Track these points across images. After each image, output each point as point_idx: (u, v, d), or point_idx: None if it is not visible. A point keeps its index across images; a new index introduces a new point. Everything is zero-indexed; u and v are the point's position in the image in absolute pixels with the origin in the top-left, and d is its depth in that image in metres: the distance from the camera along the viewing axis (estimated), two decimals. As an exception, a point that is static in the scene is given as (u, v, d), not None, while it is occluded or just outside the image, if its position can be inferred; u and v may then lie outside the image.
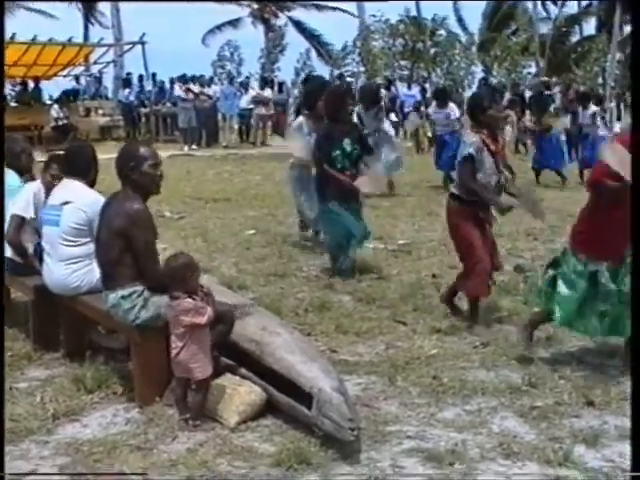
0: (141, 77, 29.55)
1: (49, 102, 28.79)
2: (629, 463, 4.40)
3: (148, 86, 29.18)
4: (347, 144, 8.64)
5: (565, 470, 4.36)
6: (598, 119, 17.83)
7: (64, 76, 31.30)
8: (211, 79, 29.36)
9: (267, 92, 28.12)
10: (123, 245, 5.23)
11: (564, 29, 51.97)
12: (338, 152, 8.58)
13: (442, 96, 17.28)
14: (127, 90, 29.09)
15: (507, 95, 26.59)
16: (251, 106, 27.20)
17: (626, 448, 4.58)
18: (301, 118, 10.11)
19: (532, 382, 5.53)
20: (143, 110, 28.56)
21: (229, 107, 27.32)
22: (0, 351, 5.23)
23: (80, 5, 46.85)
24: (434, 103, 17.81)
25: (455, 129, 16.13)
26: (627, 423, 4.88)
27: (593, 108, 18.01)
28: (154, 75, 29.60)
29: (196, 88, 26.13)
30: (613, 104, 23.50)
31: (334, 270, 8.70)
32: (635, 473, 3.95)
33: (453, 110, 16.47)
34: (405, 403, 5.27)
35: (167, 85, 29.43)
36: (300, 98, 10.39)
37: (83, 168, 6.29)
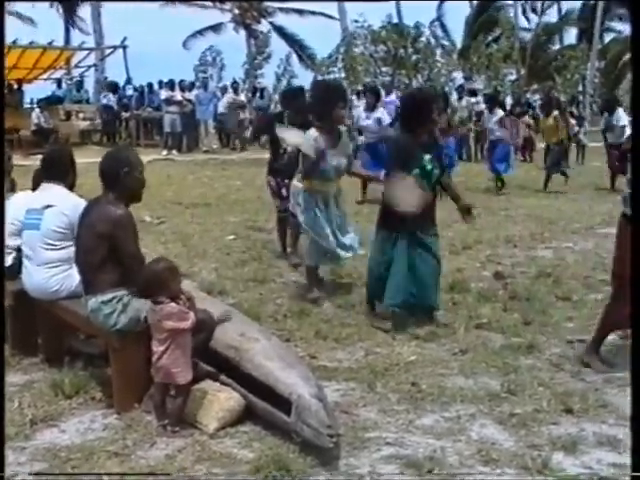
0: (128, 80, 29.62)
1: (29, 106, 28.70)
2: (607, 470, 4.45)
3: (129, 90, 29.21)
4: (427, 162, 7.09)
5: (543, 477, 4.37)
6: (506, 124, 17.64)
7: (45, 79, 31.23)
8: (192, 84, 29.36)
9: (242, 97, 28.23)
10: (106, 250, 5.21)
11: (544, 37, 52.28)
12: (417, 171, 7.02)
13: (373, 98, 15.53)
14: (111, 95, 29.06)
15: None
16: (225, 111, 27.39)
17: (604, 455, 4.63)
18: (314, 132, 7.84)
19: (511, 389, 5.55)
20: (124, 114, 28.57)
21: (203, 112, 27.37)
22: (0, 351, 5.19)
23: (61, 9, 46.64)
24: (362, 107, 15.95)
25: (385, 136, 15.28)
26: (605, 430, 4.93)
27: (500, 113, 17.76)
28: (129, 79, 29.61)
29: (179, 95, 26.15)
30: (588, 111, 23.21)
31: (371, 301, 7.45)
32: (635, 473, 3.97)
33: (384, 115, 15.54)
34: (384, 409, 5.27)
35: (146, 89, 29.39)
36: (311, 107, 8.37)
37: (61, 172, 6.27)
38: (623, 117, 18.30)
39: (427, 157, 7.07)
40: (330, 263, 8.44)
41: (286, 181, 9.20)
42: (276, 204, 9.89)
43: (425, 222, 7.17)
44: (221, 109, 27.64)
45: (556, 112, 18.75)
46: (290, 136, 8.47)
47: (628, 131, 18.33)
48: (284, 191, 9.45)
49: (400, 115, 7.83)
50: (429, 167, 7.08)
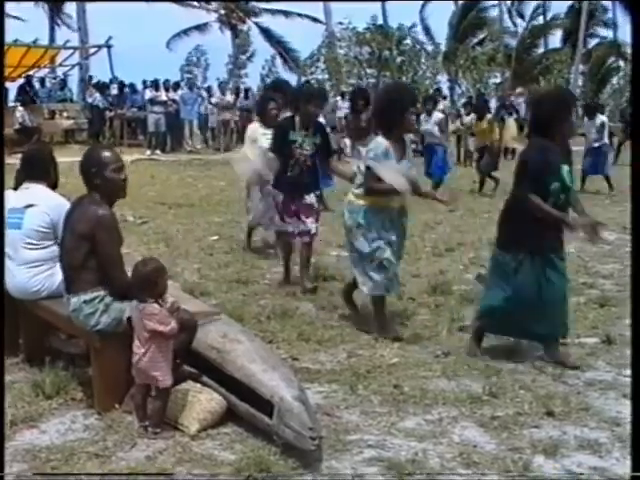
0: (116, 79, 29.61)
1: (12, 104, 28.58)
2: (587, 473, 4.46)
3: (114, 90, 29.21)
4: (567, 173, 6.14)
5: (524, 480, 4.38)
6: (439, 127, 17.07)
7: (24, 78, 31.08)
8: (177, 84, 29.35)
9: (229, 97, 28.26)
10: (88, 250, 5.18)
11: (529, 40, 52.50)
12: (557, 185, 6.06)
13: (361, 100, 13.79)
14: (98, 94, 29.07)
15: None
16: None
17: (585, 458, 4.64)
18: (383, 141, 6.87)
19: (493, 392, 5.55)
20: (108, 114, 28.56)
21: (188, 112, 27.39)
22: (0, 352, 5.15)
23: (46, 7, 46.51)
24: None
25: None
26: (586, 433, 4.95)
27: (438, 115, 17.24)
28: (115, 78, 29.58)
29: (163, 95, 26.16)
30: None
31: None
32: (635, 473, 3.98)
33: None
34: (366, 412, 5.26)
35: (127, 90, 29.39)
36: (380, 112, 7.17)
37: (42, 171, 6.24)
38: None
39: (566, 169, 6.15)
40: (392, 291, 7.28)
41: (306, 197, 8.55)
42: (279, 225, 8.73)
43: (558, 241, 6.26)
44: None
45: (489, 115, 18.84)
46: (389, 175, 6.88)
47: None
48: (294, 207, 8.52)
49: (533, 119, 6.62)
50: (567, 180, 6.16)
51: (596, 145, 18.12)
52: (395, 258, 7.01)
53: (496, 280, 6.37)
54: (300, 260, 8.70)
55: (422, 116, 17.11)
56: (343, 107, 26.25)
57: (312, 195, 8.64)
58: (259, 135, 9.95)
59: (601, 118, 18.45)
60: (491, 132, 17.95)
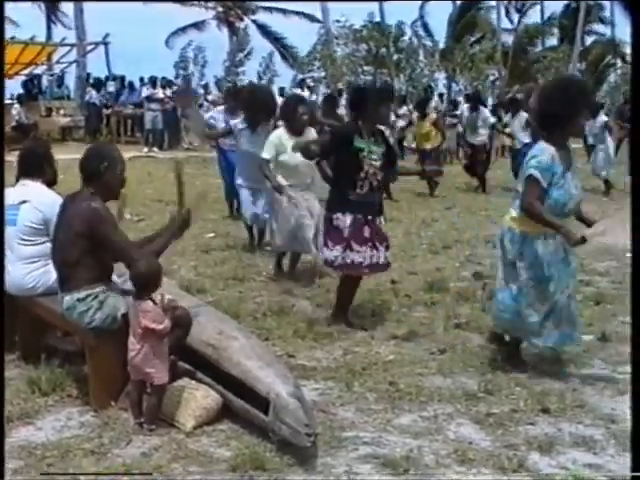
0: (114, 78, 29.66)
1: (9, 101, 28.56)
2: (583, 470, 4.46)
3: (111, 87, 29.22)
4: None
5: (519, 477, 4.38)
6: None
7: (26, 75, 31.08)
8: (170, 81, 29.36)
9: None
10: (83, 247, 5.17)
11: (527, 39, 52.46)
12: None
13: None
14: (94, 91, 29.11)
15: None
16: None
17: (580, 455, 4.64)
18: (549, 147, 5.65)
19: (488, 389, 5.56)
20: (105, 111, 28.55)
21: (185, 110, 27.47)
22: (0, 352, 5.17)
23: (42, 5, 46.42)
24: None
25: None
26: (581, 430, 4.95)
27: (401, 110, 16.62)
28: (114, 76, 29.59)
29: (160, 92, 26.16)
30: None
31: None
32: (635, 473, 3.98)
33: None
34: (361, 409, 5.27)
35: (116, 88, 29.45)
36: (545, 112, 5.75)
37: (37, 167, 6.24)
38: (489, 116, 17.56)
39: None
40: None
41: (377, 220, 7.06)
42: (345, 255, 6.93)
43: None
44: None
45: (434, 115, 17.71)
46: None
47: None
48: (367, 233, 6.95)
49: None
50: None
51: (519, 146, 16.25)
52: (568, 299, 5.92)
53: None
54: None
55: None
56: (340, 105, 26.18)
57: (382, 217, 7.17)
58: (288, 144, 8.44)
59: (524, 115, 17.46)
60: (434, 133, 16.76)
